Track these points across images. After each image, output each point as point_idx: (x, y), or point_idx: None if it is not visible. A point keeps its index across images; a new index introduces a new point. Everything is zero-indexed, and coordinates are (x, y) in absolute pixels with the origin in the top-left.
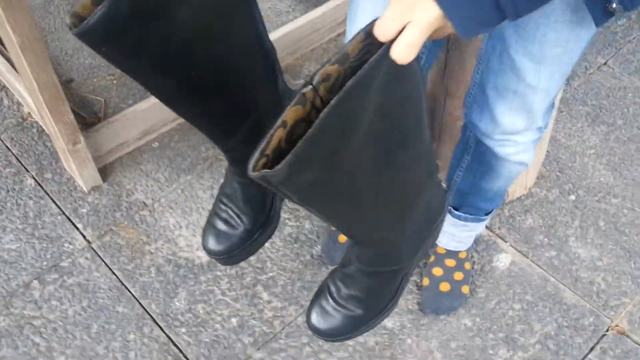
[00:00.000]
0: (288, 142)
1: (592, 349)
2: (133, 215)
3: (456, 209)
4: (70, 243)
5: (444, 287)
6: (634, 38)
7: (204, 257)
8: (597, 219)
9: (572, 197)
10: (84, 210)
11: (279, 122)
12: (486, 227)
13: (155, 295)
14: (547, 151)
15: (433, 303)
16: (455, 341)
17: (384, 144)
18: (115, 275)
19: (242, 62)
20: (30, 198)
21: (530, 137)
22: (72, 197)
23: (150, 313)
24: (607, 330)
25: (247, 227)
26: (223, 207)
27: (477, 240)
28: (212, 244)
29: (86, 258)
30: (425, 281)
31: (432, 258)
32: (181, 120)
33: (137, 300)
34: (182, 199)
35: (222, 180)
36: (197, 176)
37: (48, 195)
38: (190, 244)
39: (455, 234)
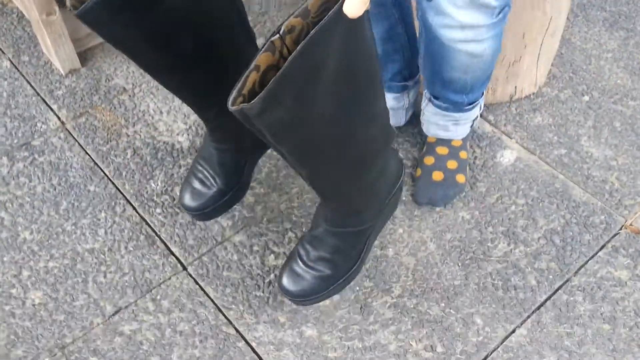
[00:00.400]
0: (261, 86)
1: (602, 247)
2: (111, 99)
3: (436, 98)
4: (43, 123)
5: (437, 175)
6: None
7: (184, 142)
8: (612, 119)
9: (586, 98)
10: (60, 92)
11: (252, 66)
12: (490, 123)
13: (130, 176)
14: (561, 53)
15: (426, 192)
16: (451, 233)
17: (343, 93)
18: (88, 155)
19: (223, 40)
20: (5, 79)
21: (479, 21)
22: (48, 79)
23: (124, 193)
24: (620, 229)
25: (221, 188)
26: (200, 168)
27: (479, 136)
28: (188, 200)
29: (59, 138)
30: (418, 172)
31: (424, 149)
32: None
33: (110, 180)
34: None
35: None
36: None
37: (23, 77)
38: (171, 128)
39: (439, 122)
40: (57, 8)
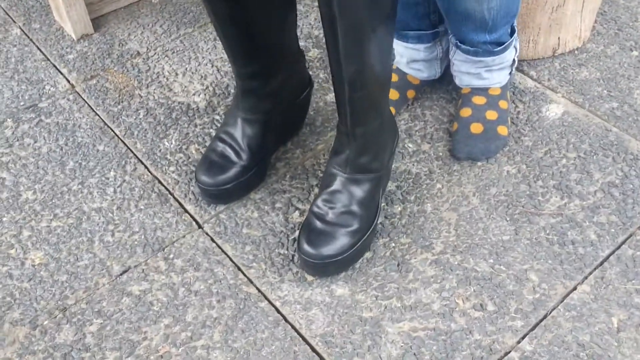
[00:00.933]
0: None
1: None
2: (125, 62)
3: (462, 43)
4: (52, 86)
5: (476, 128)
6: None
7: (201, 102)
8: None
9: (635, 53)
10: (71, 57)
11: None
12: (533, 78)
13: (142, 135)
14: (604, 11)
15: (465, 146)
16: (496, 187)
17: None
18: (98, 116)
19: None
20: (14, 45)
21: None
22: (59, 44)
23: (135, 152)
24: None
25: (244, 164)
26: (221, 141)
27: (521, 91)
28: (205, 174)
29: (68, 100)
30: (455, 126)
31: (459, 102)
32: None
33: (121, 140)
34: (181, 48)
35: None
36: (199, 28)
37: (33, 43)
38: (187, 89)
39: (470, 70)
40: None
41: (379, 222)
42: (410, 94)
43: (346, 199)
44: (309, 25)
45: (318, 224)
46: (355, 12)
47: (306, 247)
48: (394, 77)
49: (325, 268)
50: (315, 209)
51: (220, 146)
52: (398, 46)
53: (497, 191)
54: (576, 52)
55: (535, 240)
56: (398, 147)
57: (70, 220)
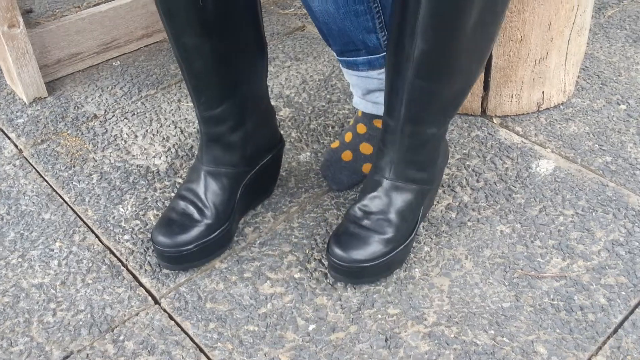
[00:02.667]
0: None
1: None
2: (79, 126)
3: None
4: None
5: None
6: None
7: (162, 164)
8: None
9: (623, 107)
10: (21, 121)
11: None
12: (518, 134)
13: (94, 201)
14: (586, 66)
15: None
16: (490, 249)
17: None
18: (46, 182)
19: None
20: None
21: None
22: (9, 109)
23: (85, 220)
24: None
25: (209, 222)
26: (183, 198)
27: (507, 147)
28: (163, 234)
29: (13, 165)
30: None
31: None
32: (149, 39)
33: (70, 207)
34: (142, 110)
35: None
36: (162, 90)
37: None
38: (146, 152)
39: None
40: (21, 19)
41: (413, 244)
42: None
43: (384, 206)
44: (279, 85)
45: (351, 227)
46: None
47: (335, 249)
48: (362, 129)
49: (354, 274)
50: (351, 212)
51: (182, 204)
52: (350, 77)
53: (491, 253)
54: (561, 106)
55: (539, 306)
56: None
57: (5, 299)
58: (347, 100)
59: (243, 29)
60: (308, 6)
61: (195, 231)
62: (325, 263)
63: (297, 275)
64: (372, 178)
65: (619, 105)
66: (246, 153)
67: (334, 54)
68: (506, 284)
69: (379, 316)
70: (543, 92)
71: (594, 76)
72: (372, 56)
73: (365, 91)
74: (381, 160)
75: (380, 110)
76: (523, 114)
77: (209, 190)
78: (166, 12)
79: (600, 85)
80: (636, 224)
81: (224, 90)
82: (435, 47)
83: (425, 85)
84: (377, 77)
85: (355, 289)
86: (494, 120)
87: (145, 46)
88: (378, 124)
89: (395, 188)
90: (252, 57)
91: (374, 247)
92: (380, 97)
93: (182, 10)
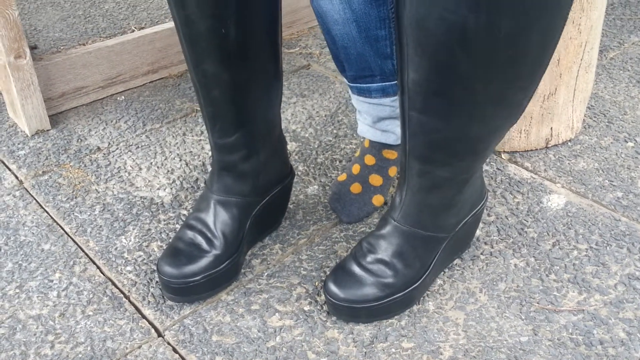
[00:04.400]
0: None
1: None
2: (82, 158)
3: None
4: None
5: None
6: None
7: (166, 196)
8: None
9: (631, 144)
10: (22, 152)
11: None
12: (528, 170)
13: (96, 232)
14: (591, 105)
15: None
16: (504, 282)
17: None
18: (47, 212)
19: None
20: None
21: None
22: (10, 140)
23: (87, 251)
24: None
25: (217, 253)
26: (191, 228)
27: (517, 182)
28: (169, 265)
29: (13, 196)
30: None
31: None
32: (154, 75)
33: (71, 238)
34: (146, 143)
35: (197, 129)
36: (167, 124)
37: None
38: (150, 184)
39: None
40: (27, 50)
41: (426, 287)
42: (392, 171)
43: (388, 249)
44: (285, 120)
45: (351, 264)
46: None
47: (330, 284)
48: (371, 160)
49: (347, 312)
50: (357, 249)
51: (189, 234)
52: (360, 104)
53: (506, 286)
54: (569, 143)
55: (558, 340)
56: None
57: (1, 331)
58: (354, 135)
59: (262, 58)
60: (327, 30)
61: (203, 262)
62: None
63: (306, 308)
64: (384, 216)
65: (627, 142)
66: (257, 183)
67: (346, 80)
68: (523, 317)
69: (393, 350)
70: (552, 128)
71: (600, 114)
72: (386, 83)
73: (376, 119)
74: (395, 199)
75: (389, 138)
76: (531, 150)
77: (218, 219)
78: (187, 38)
79: (607, 123)
80: None
81: (240, 119)
82: (426, 79)
83: (423, 119)
84: (390, 104)
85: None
86: (503, 156)
87: (150, 82)
88: (387, 154)
89: (401, 232)
90: (268, 86)
91: (368, 290)
92: (390, 125)
93: (204, 37)
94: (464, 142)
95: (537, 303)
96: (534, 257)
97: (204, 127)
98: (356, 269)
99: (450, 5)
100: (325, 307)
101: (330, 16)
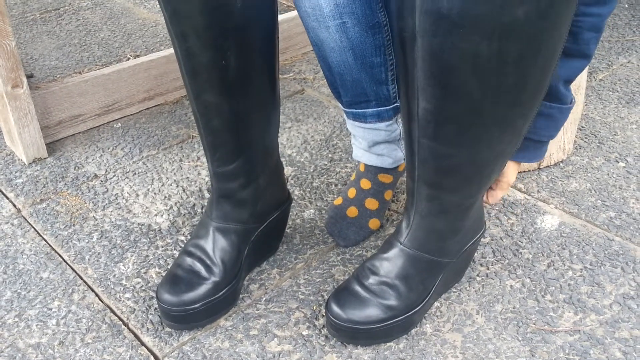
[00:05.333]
0: None
1: None
2: (80, 185)
3: None
4: None
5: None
6: None
7: (163, 222)
8: None
9: (622, 164)
10: (20, 181)
11: None
12: (521, 191)
13: (94, 259)
14: (582, 126)
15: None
16: (501, 303)
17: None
18: (45, 240)
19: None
20: None
21: None
22: (7, 169)
23: (85, 279)
24: None
25: (216, 280)
26: (190, 255)
27: (511, 204)
28: (168, 292)
29: (11, 225)
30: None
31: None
32: (150, 102)
33: (69, 265)
34: (143, 170)
35: (193, 155)
36: (164, 150)
37: None
38: (148, 210)
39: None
40: (25, 80)
41: (427, 309)
42: (388, 195)
43: (393, 271)
44: (281, 145)
45: (354, 285)
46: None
47: (333, 305)
48: (366, 184)
49: (348, 333)
50: (359, 270)
51: (188, 260)
52: (356, 129)
53: (503, 308)
54: (561, 164)
55: None
56: None
57: None
58: (349, 158)
59: (261, 87)
60: (323, 58)
61: (202, 289)
62: None
63: (305, 332)
64: (389, 238)
65: (618, 162)
66: (256, 210)
67: (341, 106)
68: (520, 338)
69: None
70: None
71: (591, 135)
72: (381, 108)
73: (371, 143)
74: (402, 223)
75: (384, 162)
76: (524, 171)
77: (217, 246)
78: (189, 70)
79: (598, 144)
80: None
81: (239, 147)
82: (438, 107)
83: (434, 146)
84: (385, 129)
85: (365, 345)
86: None
87: (146, 109)
88: (383, 178)
89: (407, 255)
90: (267, 114)
91: (371, 311)
92: (385, 149)
93: (205, 68)
94: (472, 167)
95: (534, 324)
96: (529, 278)
97: (200, 152)
98: (359, 290)
99: (464, 34)
100: (323, 331)
101: (326, 44)
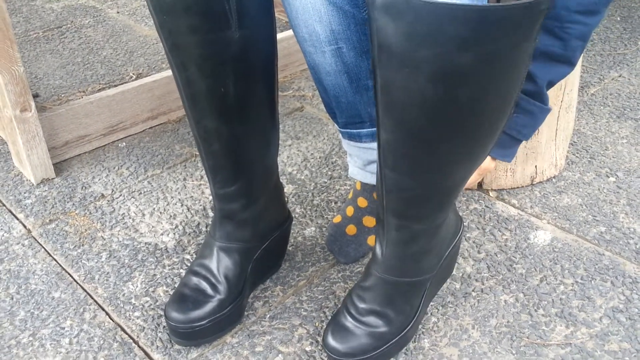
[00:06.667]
0: None
1: None
2: (87, 205)
3: None
4: (6, 232)
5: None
6: None
7: (169, 241)
8: None
9: (612, 179)
10: (29, 201)
11: None
12: (515, 206)
13: (103, 279)
14: (574, 141)
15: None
16: (495, 318)
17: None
18: (55, 260)
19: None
20: None
21: None
22: (17, 190)
23: (95, 298)
24: None
25: (222, 297)
26: (195, 274)
27: (505, 219)
28: (176, 310)
29: (22, 245)
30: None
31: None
32: (154, 121)
33: (80, 285)
34: (149, 189)
35: (196, 173)
36: (168, 169)
37: None
38: (154, 229)
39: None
40: (32, 104)
41: (417, 326)
42: None
43: (377, 300)
44: (282, 163)
45: (344, 318)
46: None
47: (329, 340)
48: (363, 202)
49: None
50: (348, 301)
51: (194, 280)
52: (351, 148)
53: (497, 322)
54: (554, 180)
55: None
56: None
57: None
58: (347, 176)
59: (260, 111)
60: (319, 81)
61: (208, 307)
62: None
63: (308, 348)
64: (368, 267)
65: (608, 177)
66: (257, 229)
67: (337, 126)
68: (514, 352)
69: None
70: (536, 166)
71: (582, 150)
72: (375, 128)
73: (366, 162)
74: (375, 250)
75: None
76: (518, 187)
77: (221, 265)
78: (189, 96)
79: (589, 159)
80: (634, 291)
81: (239, 170)
82: (395, 139)
83: (396, 177)
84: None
85: None
86: (490, 194)
87: (150, 128)
88: None
89: (387, 283)
90: (266, 136)
91: (363, 341)
92: None
93: (204, 95)
94: (434, 197)
95: (527, 338)
96: (522, 292)
97: (203, 172)
98: (350, 323)
99: (411, 76)
100: None
101: (322, 68)
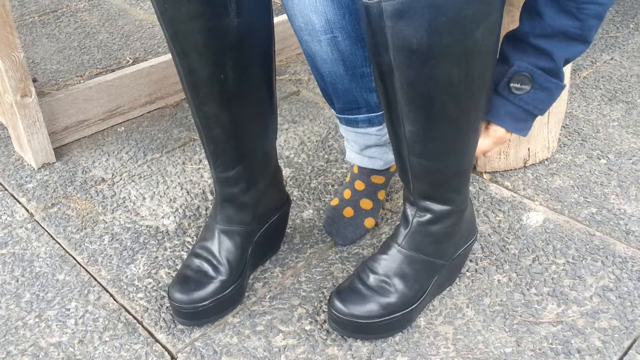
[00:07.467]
0: None
1: None
2: (88, 189)
3: None
4: (9, 216)
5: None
6: (637, 40)
7: (170, 224)
8: (637, 178)
9: (603, 161)
10: (30, 186)
11: None
12: (508, 188)
13: (106, 261)
14: (566, 124)
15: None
16: (489, 297)
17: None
18: (59, 244)
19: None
20: None
21: None
22: (18, 174)
23: (99, 280)
24: None
25: (223, 279)
26: (197, 256)
27: (498, 201)
28: (180, 291)
29: (25, 229)
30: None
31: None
32: (152, 106)
33: (84, 267)
34: (148, 173)
35: (195, 157)
36: (167, 153)
37: None
38: (155, 212)
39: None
40: (33, 89)
41: (423, 307)
42: (381, 195)
43: (391, 271)
44: (279, 147)
45: (355, 283)
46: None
47: (335, 301)
48: (360, 185)
49: (349, 327)
50: (360, 270)
51: (196, 262)
52: (348, 133)
53: (491, 301)
54: (546, 162)
55: (539, 350)
56: None
57: (25, 358)
58: (344, 159)
59: (259, 96)
60: (316, 69)
61: (211, 287)
62: None
63: (307, 327)
64: (387, 240)
65: (600, 159)
66: (257, 212)
67: (334, 112)
68: (507, 330)
69: None
70: (529, 149)
71: (574, 133)
72: (371, 114)
73: (362, 147)
74: (400, 226)
75: (376, 164)
76: (511, 169)
77: (222, 247)
78: (190, 84)
79: (581, 142)
80: (624, 271)
81: (239, 154)
82: (422, 128)
83: (424, 163)
84: (376, 133)
85: None
86: (484, 176)
87: (148, 112)
88: (375, 179)
89: (404, 255)
90: (265, 121)
91: (371, 307)
92: (376, 152)
93: (205, 82)
94: (454, 177)
95: (520, 316)
96: (515, 272)
97: (202, 155)
98: (360, 287)
99: (436, 64)
100: (325, 326)
101: (319, 56)
